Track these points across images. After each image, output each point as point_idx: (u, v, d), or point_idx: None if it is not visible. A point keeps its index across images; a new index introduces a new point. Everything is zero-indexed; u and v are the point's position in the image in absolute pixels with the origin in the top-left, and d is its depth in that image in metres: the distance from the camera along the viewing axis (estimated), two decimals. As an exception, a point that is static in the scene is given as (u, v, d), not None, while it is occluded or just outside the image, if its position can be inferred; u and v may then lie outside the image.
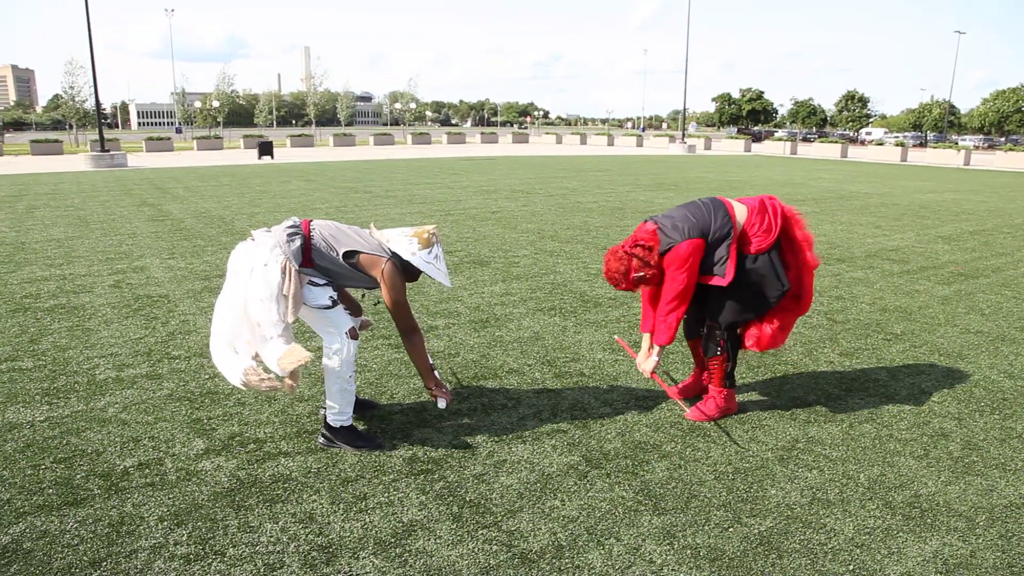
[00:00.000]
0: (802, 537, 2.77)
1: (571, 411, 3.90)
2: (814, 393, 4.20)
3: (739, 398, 4.10)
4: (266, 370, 3.36)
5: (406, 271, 3.44)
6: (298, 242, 3.26)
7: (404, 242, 3.38)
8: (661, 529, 2.81)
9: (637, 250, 3.53)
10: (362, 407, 3.85)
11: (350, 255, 3.32)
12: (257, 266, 3.22)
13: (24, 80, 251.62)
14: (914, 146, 50.56)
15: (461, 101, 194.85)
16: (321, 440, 3.49)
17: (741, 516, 2.90)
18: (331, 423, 3.45)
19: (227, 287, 3.36)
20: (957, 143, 54.07)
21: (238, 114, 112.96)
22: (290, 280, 3.21)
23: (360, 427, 3.67)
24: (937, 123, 79.65)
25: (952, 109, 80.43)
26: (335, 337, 3.34)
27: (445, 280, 3.47)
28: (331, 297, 3.33)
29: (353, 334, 3.38)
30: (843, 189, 17.59)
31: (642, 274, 3.54)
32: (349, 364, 3.37)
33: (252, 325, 3.29)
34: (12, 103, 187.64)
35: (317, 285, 3.32)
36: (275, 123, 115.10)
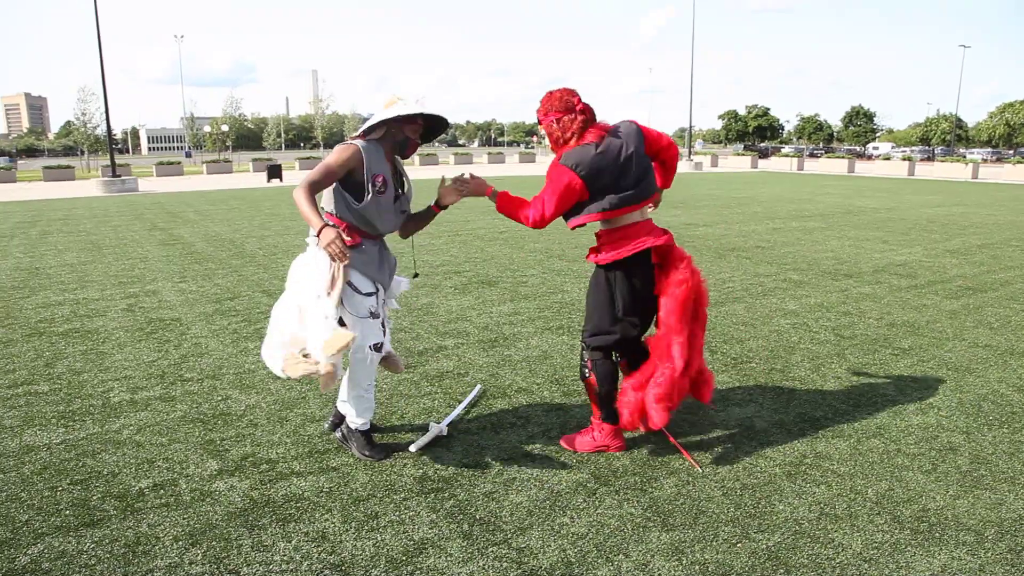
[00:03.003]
0: (810, 552, 2.79)
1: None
2: (821, 408, 4.21)
3: (746, 413, 4.12)
4: (304, 356, 3.30)
5: (395, 143, 3.44)
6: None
7: (378, 115, 3.36)
8: (670, 545, 2.83)
9: (567, 119, 3.38)
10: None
11: (346, 180, 3.35)
12: (311, 260, 3.36)
13: (37, 108, 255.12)
14: (922, 160, 50.52)
15: (468, 122, 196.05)
16: (338, 434, 3.70)
17: (749, 531, 2.92)
18: (349, 424, 3.61)
19: (284, 295, 3.44)
20: (965, 156, 54.02)
21: (247, 138, 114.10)
22: (338, 268, 3.31)
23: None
24: (944, 137, 79.66)
25: (959, 123, 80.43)
26: (362, 346, 3.44)
27: (413, 107, 3.35)
28: (371, 310, 3.44)
29: (377, 348, 3.48)
30: (850, 204, 17.61)
31: (557, 129, 3.39)
32: (368, 374, 3.49)
33: (302, 314, 3.33)
34: (25, 130, 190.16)
35: (360, 294, 3.40)
36: (283, 146, 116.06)
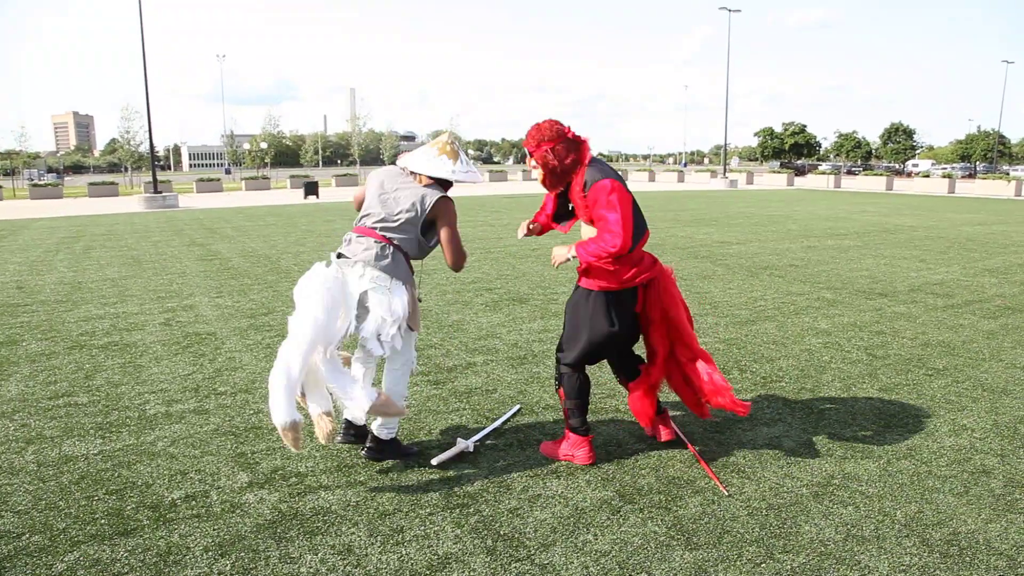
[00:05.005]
0: (836, 574, 2.76)
1: (605, 446, 3.93)
2: (851, 428, 4.16)
3: (774, 432, 4.09)
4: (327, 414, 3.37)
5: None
6: (403, 262, 3.53)
7: (439, 164, 3.56)
8: (693, 564, 2.82)
9: (560, 147, 3.46)
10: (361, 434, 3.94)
11: (428, 227, 3.60)
12: (378, 299, 3.47)
13: (84, 125, 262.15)
14: (962, 177, 49.61)
15: (503, 139, 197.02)
16: (367, 453, 3.72)
17: (774, 552, 2.90)
18: (383, 437, 3.69)
19: (310, 311, 3.29)
20: (1008, 174, 52.90)
21: (285, 155, 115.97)
22: (412, 301, 3.58)
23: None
24: (986, 154, 78.16)
25: (1002, 139, 78.85)
26: (412, 354, 3.69)
27: (479, 177, 3.75)
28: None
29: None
30: (887, 222, 17.36)
31: (552, 158, 3.45)
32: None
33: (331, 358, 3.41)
34: (72, 147, 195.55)
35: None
36: (321, 163, 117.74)
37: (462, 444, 3.82)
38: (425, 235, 3.60)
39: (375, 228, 3.54)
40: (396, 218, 3.52)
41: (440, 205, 3.54)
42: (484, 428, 4.16)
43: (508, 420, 4.33)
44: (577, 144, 3.50)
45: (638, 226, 3.51)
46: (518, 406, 4.55)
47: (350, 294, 3.46)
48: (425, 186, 3.57)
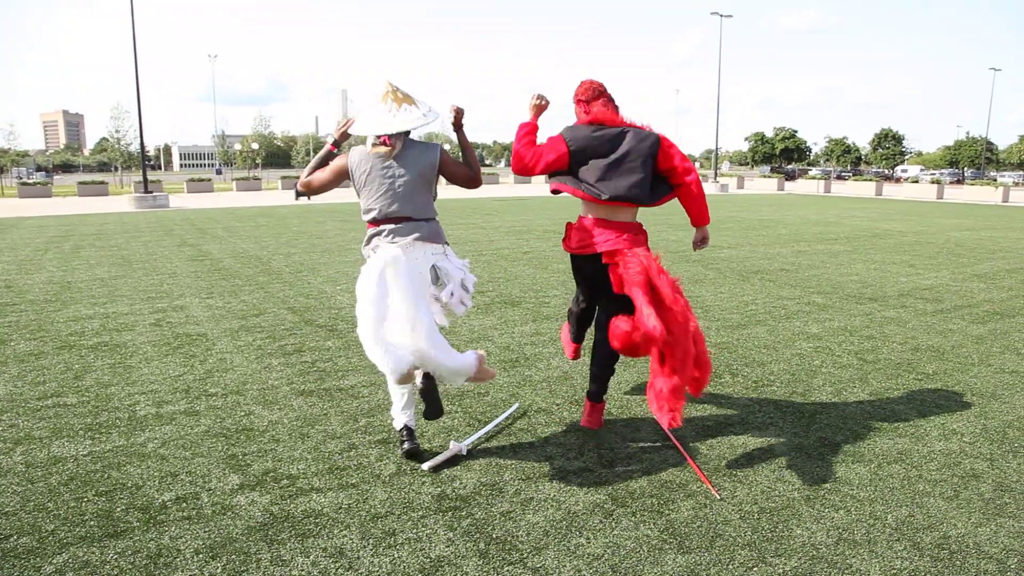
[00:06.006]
0: (827, 578, 2.77)
1: (598, 450, 3.94)
2: (842, 433, 4.18)
3: (766, 436, 4.11)
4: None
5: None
6: (439, 226, 3.81)
7: (409, 117, 3.65)
8: (685, 568, 2.83)
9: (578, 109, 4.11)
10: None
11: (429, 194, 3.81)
12: (447, 267, 3.80)
13: (74, 124, 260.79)
14: (951, 183, 49.93)
15: (495, 142, 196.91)
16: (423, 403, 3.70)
17: (766, 556, 2.91)
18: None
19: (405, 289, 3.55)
20: (995, 179, 53.28)
21: (276, 156, 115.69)
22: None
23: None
24: (974, 159, 78.76)
25: (989, 145, 79.48)
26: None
27: (438, 113, 3.81)
28: None
29: None
30: (877, 227, 17.45)
31: (578, 112, 4.10)
32: None
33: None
34: (62, 146, 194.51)
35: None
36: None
37: (455, 447, 3.81)
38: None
39: (404, 216, 3.66)
40: (415, 200, 3.68)
41: (442, 159, 3.76)
42: (477, 431, 4.16)
43: (505, 421, 4.33)
44: (602, 102, 4.01)
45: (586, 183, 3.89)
46: (516, 404, 4.55)
47: (422, 272, 3.65)
48: (410, 146, 3.70)
